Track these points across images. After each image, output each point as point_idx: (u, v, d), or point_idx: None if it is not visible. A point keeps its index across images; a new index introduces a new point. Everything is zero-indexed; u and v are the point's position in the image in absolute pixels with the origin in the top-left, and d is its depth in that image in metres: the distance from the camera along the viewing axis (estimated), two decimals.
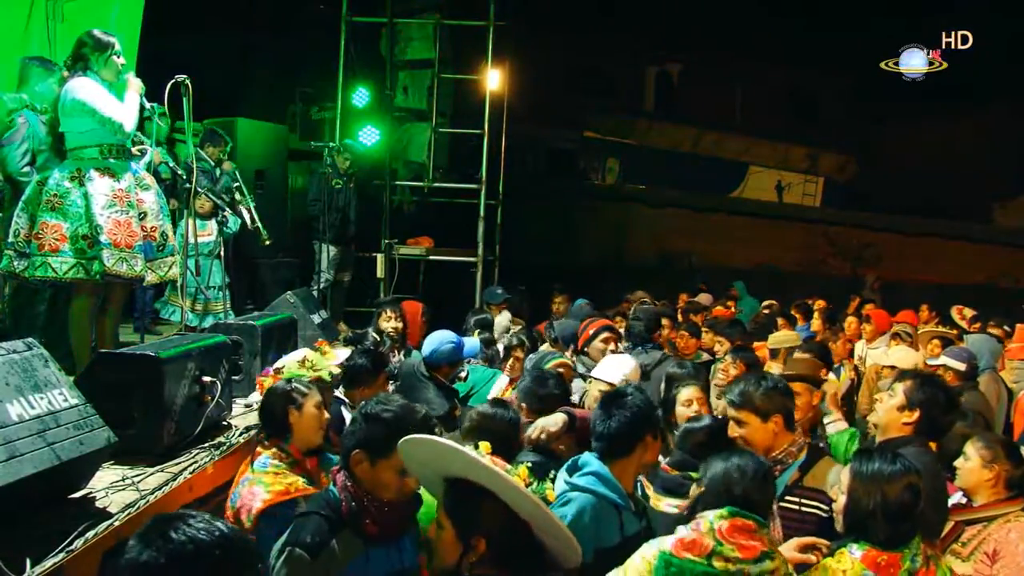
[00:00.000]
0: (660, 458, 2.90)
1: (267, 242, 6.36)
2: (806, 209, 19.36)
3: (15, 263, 3.88)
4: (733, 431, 2.87)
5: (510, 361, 4.91)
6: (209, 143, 6.96)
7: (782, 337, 5.92)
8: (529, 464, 2.44)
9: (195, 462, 3.33)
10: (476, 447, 2.02)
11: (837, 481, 2.44)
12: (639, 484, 2.86)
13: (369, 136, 8.91)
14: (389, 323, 5.48)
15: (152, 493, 2.94)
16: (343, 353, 3.73)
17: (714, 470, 2.22)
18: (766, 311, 8.47)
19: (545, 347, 5.23)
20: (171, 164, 5.36)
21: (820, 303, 8.40)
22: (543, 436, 2.96)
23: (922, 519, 2.26)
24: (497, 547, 1.89)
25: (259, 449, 2.96)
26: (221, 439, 3.63)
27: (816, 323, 7.42)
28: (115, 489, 2.90)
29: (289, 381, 3.05)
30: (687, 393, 3.57)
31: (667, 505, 2.79)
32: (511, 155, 10.83)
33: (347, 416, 3.51)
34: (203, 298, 6.41)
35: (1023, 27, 14.28)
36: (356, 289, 8.99)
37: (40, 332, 4.51)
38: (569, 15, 17.72)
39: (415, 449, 2.00)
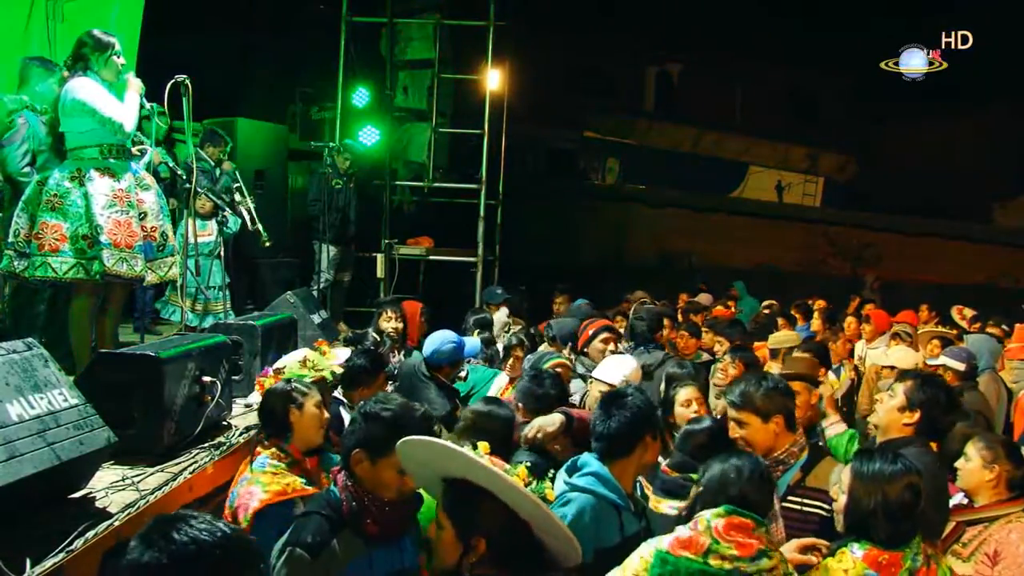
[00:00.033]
0: (660, 459, 2.90)
1: (267, 244, 6.36)
2: (806, 209, 19.37)
3: (15, 263, 3.88)
4: (734, 432, 2.87)
5: (510, 361, 4.92)
6: (209, 143, 6.96)
7: (782, 337, 5.92)
8: (528, 464, 2.44)
9: (195, 462, 3.33)
10: (475, 447, 2.02)
11: (838, 480, 2.44)
12: (639, 484, 2.86)
13: (369, 136, 8.91)
14: (389, 323, 5.48)
15: (152, 493, 2.94)
16: (343, 353, 3.73)
17: (712, 471, 2.23)
18: (766, 311, 8.47)
19: (544, 347, 5.23)
20: (171, 164, 5.36)
21: (820, 303, 8.39)
22: (539, 435, 2.97)
23: (923, 519, 2.26)
24: (497, 547, 1.89)
25: (259, 449, 2.96)
26: (221, 439, 3.62)
27: (816, 323, 7.42)
28: (115, 489, 2.90)
29: (289, 381, 3.05)
30: (685, 394, 3.57)
31: (667, 507, 2.79)
32: (511, 155, 10.83)
33: (346, 416, 3.51)
34: (203, 298, 6.41)
35: (1023, 27, 14.28)
36: (356, 289, 8.99)
37: (40, 332, 4.51)
38: (569, 15, 17.72)
39: (413, 450, 2.00)
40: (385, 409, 2.22)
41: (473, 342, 4.93)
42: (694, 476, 2.40)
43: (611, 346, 4.79)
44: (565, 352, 4.98)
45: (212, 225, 6.53)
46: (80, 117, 3.87)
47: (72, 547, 2.40)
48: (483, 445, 2.04)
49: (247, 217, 6.46)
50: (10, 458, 2.34)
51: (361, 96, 9.19)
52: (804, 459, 2.85)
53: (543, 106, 16.66)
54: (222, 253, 6.57)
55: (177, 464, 3.26)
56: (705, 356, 5.84)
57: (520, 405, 3.38)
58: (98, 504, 2.79)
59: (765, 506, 2.22)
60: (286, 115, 10.45)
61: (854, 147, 20.23)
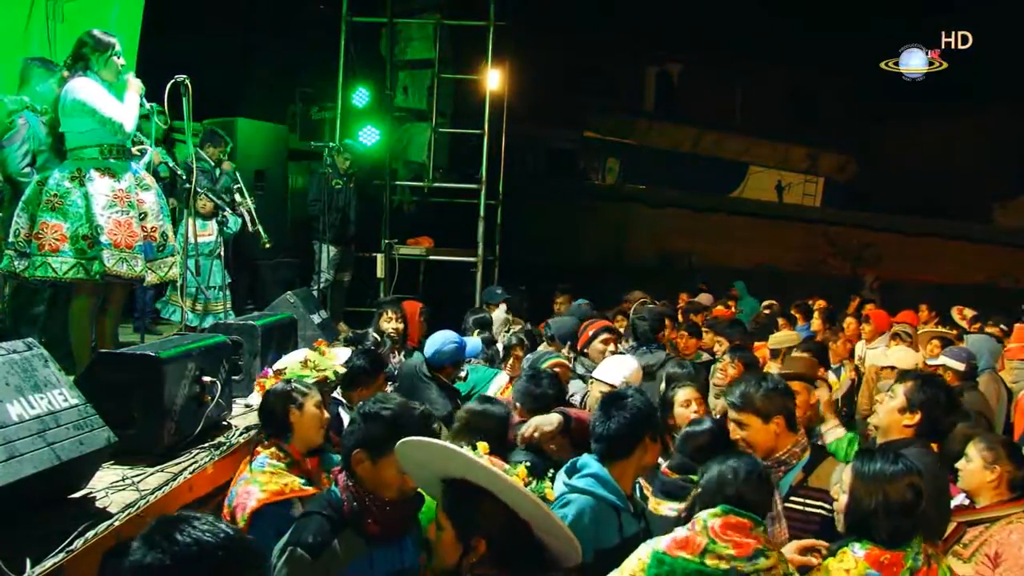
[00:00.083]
0: (660, 461, 2.90)
1: (267, 245, 6.36)
2: (806, 209, 19.36)
3: (15, 263, 3.88)
4: (735, 433, 2.86)
5: (510, 360, 4.91)
6: (209, 143, 6.96)
7: (783, 337, 5.92)
8: (527, 464, 2.44)
9: (195, 462, 3.33)
10: (474, 448, 2.02)
11: (839, 480, 2.44)
12: (638, 486, 2.85)
13: (369, 136, 8.91)
14: (390, 324, 5.48)
15: (152, 493, 2.94)
16: (343, 353, 3.72)
17: (710, 472, 2.23)
18: (766, 311, 8.48)
19: (544, 347, 5.23)
20: (171, 164, 5.36)
21: (820, 303, 8.39)
22: (536, 434, 2.96)
23: (924, 520, 2.26)
24: (497, 547, 1.89)
25: (258, 449, 2.96)
26: (221, 439, 3.62)
27: (816, 323, 7.42)
28: (115, 489, 2.90)
29: (288, 382, 3.05)
30: (684, 394, 3.56)
31: (667, 509, 2.78)
32: (511, 155, 10.83)
33: (345, 417, 3.51)
34: (203, 298, 6.41)
35: (1023, 27, 14.28)
36: (356, 289, 8.99)
37: (40, 332, 4.51)
38: (569, 15, 17.72)
39: (413, 451, 2.00)
40: (384, 408, 2.22)
41: (474, 342, 4.93)
42: (694, 478, 2.41)
43: (611, 347, 4.79)
44: (564, 351, 4.98)
45: (212, 225, 6.54)
46: (80, 117, 3.88)
47: (72, 547, 2.40)
48: (482, 445, 2.04)
49: (247, 218, 6.46)
50: (10, 458, 2.34)
51: (361, 96, 9.20)
52: (806, 459, 2.84)
53: (543, 106, 16.66)
54: (222, 253, 6.57)
55: (177, 464, 3.26)
56: (705, 356, 5.84)
57: (518, 405, 3.38)
58: (98, 504, 2.79)
59: (763, 506, 2.22)
60: (286, 115, 10.45)
61: (854, 147, 20.22)
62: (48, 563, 2.31)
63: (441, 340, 4.36)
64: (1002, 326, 7.13)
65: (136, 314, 6.49)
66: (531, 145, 17.36)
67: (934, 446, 3.00)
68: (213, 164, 6.87)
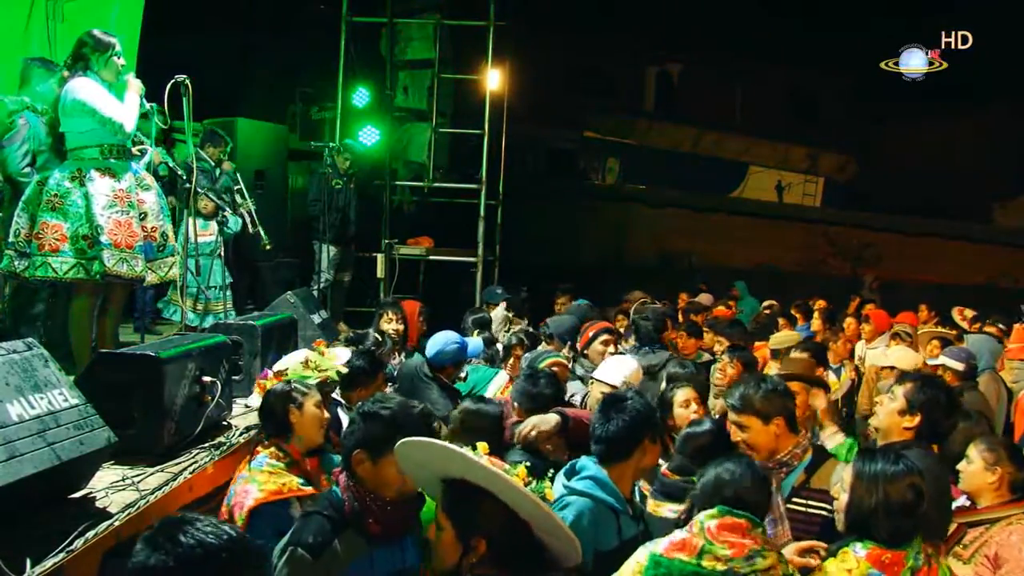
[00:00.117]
0: (660, 462, 2.90)
1: (268, 247, 6.35)
2: (806, 209, 19.36)
3: (15, 263, 3.88)
4: (736, 436, 2.85)
5: (511, 360, 4.91)
6: (209, 143, 6.96)
7: (784, 338, 5.92)
8: (527, 464, 2.44)
9: (195, 462, 3.33)
10: (474, 448, 2.02)
11: (839, 479, 2.44)
12: (637, 488, 2.85)
13: (369, 136, 8.91)
14: (390, 325, 5.48)
15: (152, 493, 2.94)
16: (343, 353, 3.73)
17: (707, 475, 2.24)
18: (767, 311, 8.48)
19: (544, 346, 5.23)
20: (171, 164, 5.36)
21: (820, 303, 8.39)
22: (533, 433, 2.96)
23: (924, 520, 2.26)
24: (497, 547, 1.89)
25: (258, 448, 2.97)
26: (221, 439, 3.62)
27: (816, 323, 7.42)
28: (115, 489, 2.90)
29: (289, 382, 3.05)
30: (683, 395, 3.56)
31: (668, 511, 2.78)
32: (511, 155, 10.84)
33: (343, 418, 3.50)
34: (204, 298, 6.41)
35: (1023, 27, 14.28)
36: (356, 289, 8.99)
37: (40, 332, 4.52)
38: (569, 15, 17.71)
39: (412, 451, 2.00)
40: (384, 408, 2.22)
41: (476, 343, 4.93)
42: (695, 479, 2.41)
43: (611, 348, 4.79)
44: (564, 351, 4.97)
45: (213, 225, 6.53)
46: (80, 117, 3.88)
47: (72, 547, 2.40)
48: (482, 446, 2.04)
49: (247, 219, 6.45)
50: (10, 458, 2.34)
51: (361, 96, 9.20)
52: (808, 460, 2.83)
53: (543, 106, 16.65)
54: (222, 253, 6.57)
55: (177, 464, 3.26)
56: (706, 356, 5.84)
57: (516, 405, 3.38)
58: (98, 504, 2.79)
59: (761, 507, 2.22)
60: (286, 115, 10.45)
61: (854, 147, 20.22)
62: (48, 563, 2.31)
63: (443, 340, 4.36)
64: (1000, 326, 7.13)
65: (136, 314, 6.49)
66: (531, 145, 17.35)
67: (934, 447, 2.99)
68: (213, 164, 6.87)
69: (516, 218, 10.96)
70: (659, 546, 2.12)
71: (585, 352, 4.89)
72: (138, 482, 2.99)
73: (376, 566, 2.16)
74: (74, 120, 3.90)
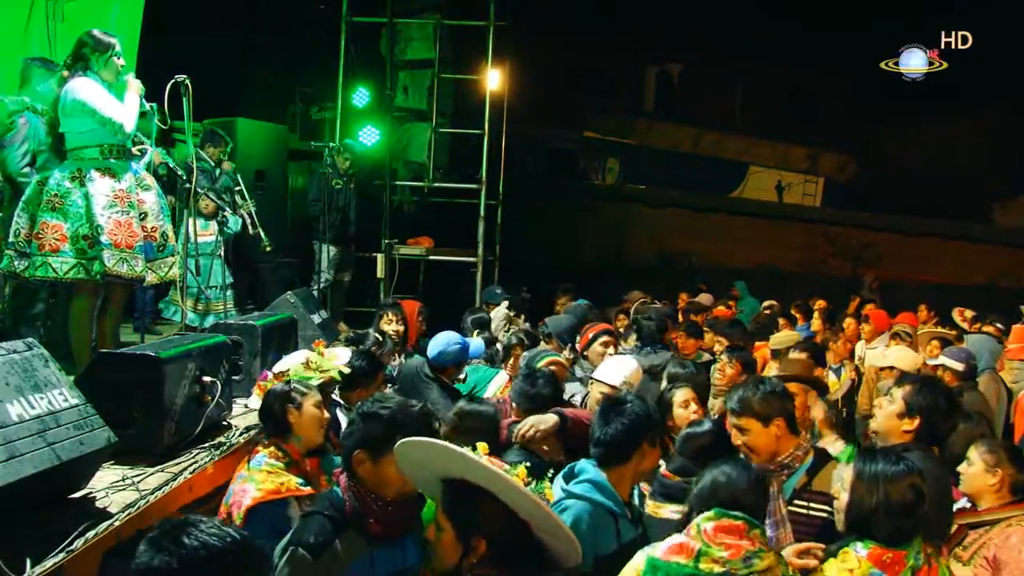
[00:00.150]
0: (661, 463, 2.90)
1: (268, 248, 6.35)
2: (806, 209, 19.35)
3: (15, 263, 3.89)
4: (736, 439, 2.84)
5: (511, 360, 4.91)
6: (209, 143, 6.96)
7: (784, 338, 5.92)
8: (527, 464, 2.44)
9: (195, 462, 3.33)
10: (474, 448, 2.02)
11: (840, 479, 2.43)
12: (637, 491, 2.85)
13: (369, 136, 8.92)
14: (391, 326, 5.48)
15: (152, 493, 2.94)
16: (343, 352, 3.72)
17: (703, 480, 2.24)
18: (767, 311, 8.47)
19: (543, 345, 5.23)
20: (171, 164, 5.36)
21: (820, 303, 8.39)
22: (531, 432, 2.96)
23: (924, 520, 2.26)
24: (497, 547, 1.89)
25: (257, 448, 2.97)
26: (221, 439, 3.63)
27: (816, 323, 7.42)
28: (115, 489, 2.90)
29: (288, 382, 3.05)
30: (682, 395, 3.56)
31: (669, 512, 2.77)
32: (511, 155, 10.84)
33: (342, 418, 3.50)
34: (204, 298, 6.41)
35: (1023, 27, 14.28)
36: (356, 289, 8.99)
37: (40, 332, 4.52)
38: (569, 15, 17.71)
39: (412, 451, 2.00)
40: (383, 408, 2.22)
41: (477, 343, 4.93)
42: (695, 480, 2.40)
43: (610, 350, 4.78)
44: (565, 353, 4.97)
45: (213, 225, 6.54)
46: (80, 117, 3.88)
47: (72, 547, 2.41)
48: (482, 446, 2.04)
49: (248, 221, 6.45)
50: (10, 458, 2.34)
51: (361, 96, 9.20)
52: (809, 462, 2.83)
53: (543, 106, 16.65)
54: (222, 253, 6.57)
55: (177, 464, 3.27)
56: (706, 356, 5.84)
57: (514, 405, 3.38)
58: (98, 504, 2.79)
59: (757, 509, 2.21)
60: (286, 115, 10.45)
61: (854, 147, 20.21)
62: (48, 563, 2.31)
63: (445, 341, 4.36)
64: (998, 324, 7.12)
65: (136, 314, 6.49)
66: (531, 145, 17.35)
67: (934, 450, 2.99)
68: (213, 164, 6.87)
69: (516, 218, 10.96)
70: (657, 550, 2.12)
71: (585, 354, 4.89)
72: (138, 482, 2.99)
73: (377, 566, 2.16)
74: (74, 120, 3.90)
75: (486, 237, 9.54)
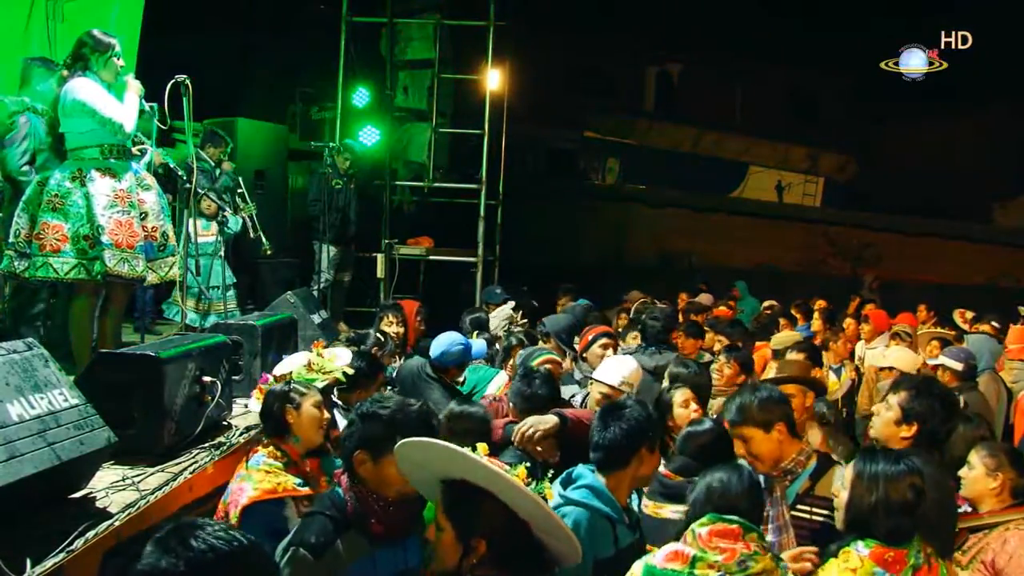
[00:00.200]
0: (661, 463, 2.89)
1: (268, 251, 6.35)
2: (806, 209, 19.35)
3: (16, 263, 3.89)
4: (739, 449, 2.82)
5: (510, 360, 4.90)
6: (209, 143, 6.96)
7: (785, 338, 5.92)
8: (527, 464, 2.44)
9: (195, 462, 3.33)
10: (473, 448, 2.02)
11: (840, 478, 2.43)
12: (638, 495, 2.84)
13: (369, 136, 8.92)
14: (391, 327, 5.48)
15: (152, 493, 2.94)
16: (343, 353, 3.72)
17: (699, 487, 2.24)
18: (767, 311, 8.47)
19: (541, 344, 5.22)
20: (171, 164, 5.36)
21: (820, 303, 8.39)
22: (531, 432, 2.96)
23: (923, 520, 2.26)
24: (497, 548, 1.88)
25: (256, 447, 2.97)
26: (221, 439, 3.63)
27: (816, 323, 7.42)
28: (115, 489, 2.90)
29: (289, 383, 3.05)
30: (681, 395, 3.55)
31: (671, 512, 2.77)
32: (511, 155, 10.84)
33: (340, 419, 3.50)
34: (205, 298, 6.41)
35: (1023, 27, 14.28)
36: (356, 289, 8.99)
37: (40, 332, 4.52)
38: (569, 15, 17.71)
39: (412, 451, 2.00)
40: (382, 408, 2.22)
41: (479, 344, 4.92)
42: (695, 481, 2.40)
43: (610, 351, 4.77)
44: (567, 360, 4.95)
45: (214, 225, 6.53)
46: (80, 117, 3.88)
47: (72, 547, 2.41)
48: (482, 446, 2.04)
49: (248, 224, 6.45)
50: (10, 458, 2.34)
51: (361, 96, 9.20)
52: (812, 467, 2.81)
53: (543, 106, 16.66)
54: (222, 253, 6.57)
55: (177, 464, 3.27)
56: (707, 356, 5.83)
57: (512, 405, 3.37)
58: (98, 504, 2.79)
59: (753, 514, 2.21)
60: (286, 115, 10.45)
61: (854, 147, 20.21)
62: (48, 563, 2.31)
63: (448, 341, 4.35)
64: (994, 323, 7.11)
65: (136, 314, 6.48)
66: (531, 145, 17.35)
67: (935, 453, 2.98)
68: (213, 164, 6.87)
69: (516, 218, 10.96)
70: (654, 558, 2.13)
71: (584, 355, 4.88)
72: (138, 482, 2.99)
73: (378, 566, 2.16)
74: (74, 120, 3.90)
75: (486, 237, 9.54)
